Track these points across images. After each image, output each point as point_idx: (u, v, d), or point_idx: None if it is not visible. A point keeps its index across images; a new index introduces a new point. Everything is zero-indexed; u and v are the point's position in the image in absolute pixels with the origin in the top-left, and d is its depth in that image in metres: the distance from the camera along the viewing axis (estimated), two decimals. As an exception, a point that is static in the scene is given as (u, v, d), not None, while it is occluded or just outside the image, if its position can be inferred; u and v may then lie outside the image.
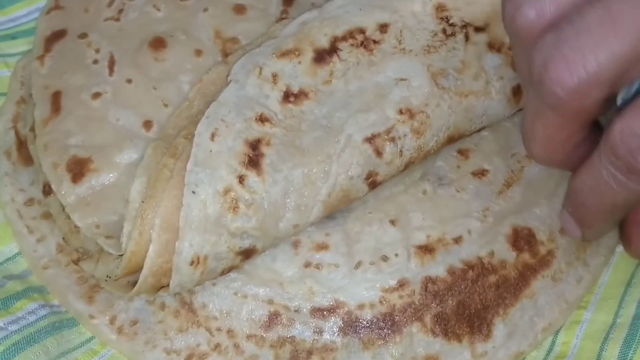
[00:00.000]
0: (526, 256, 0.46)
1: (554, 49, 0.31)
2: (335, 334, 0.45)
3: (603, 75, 0.31)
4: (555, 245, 0.47)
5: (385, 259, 0.46)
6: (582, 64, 0.31)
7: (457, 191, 0.48)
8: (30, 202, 0.50)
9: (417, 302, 0.45)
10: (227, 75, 0.45)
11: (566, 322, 0.47)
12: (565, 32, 0.31)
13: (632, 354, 0.44)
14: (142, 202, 0.41)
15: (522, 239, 0.47)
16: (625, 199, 0.35)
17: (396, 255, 0.46)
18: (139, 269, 0.42)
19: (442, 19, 0.48)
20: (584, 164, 0.36)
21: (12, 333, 0.43)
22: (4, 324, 0.43)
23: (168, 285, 0.42)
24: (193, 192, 0.41)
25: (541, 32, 0.33)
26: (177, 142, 0.43)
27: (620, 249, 0.50)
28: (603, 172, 0.34)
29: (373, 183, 0.45)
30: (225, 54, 0.50)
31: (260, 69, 0.44)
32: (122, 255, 0.42)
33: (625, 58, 0.30)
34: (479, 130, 0.50)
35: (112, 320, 0.45)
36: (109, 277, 0.43)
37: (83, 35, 0.51)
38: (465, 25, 0.48)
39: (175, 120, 0.46)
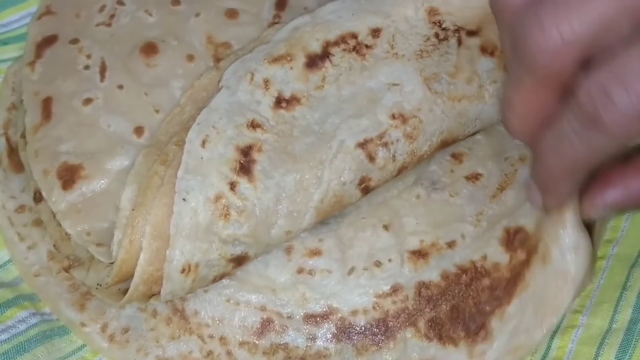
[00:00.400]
0: (520, 254, 0.46)
1: (533, 18, 0.34)
2: (329, 341, 0.44)
3: (576, 39, 0.33)
4: (542, 231, 0.47)
5: (378, 264, 0.45)
6: (557, 28, 0.33)
7: (451, 195, 0.48)
8: (21, 209, 0.50)
9: (410, 307, 0.45)
10: (219, 81, 0.45)
11: (561, 326, 0.47)
12: (544, 3, 0.34)
13: (627, 359, 0.44)
14: (133, 210, 0.41)
15: (515, 239, 0.46)
16: (586, 156, 0.36)
17: (389, 260, 0.46)
18: (129, 276, 0.41)
19: (435, 23, 0.47)
20: (550, 126, 0.38)
21: (1, 342, 0.43)
22: (-6, 333, 0.43)
23: (159, 293, 0.42)
24: (184, 199, 0.40)
25: (523, 7, 0.36)
26: (168, 149, 0.43)
27: (614, 250, 0.49)
28: (567, 128, 0.36)
29: (366, 188, 0.45)
30: (217, 59, 0.50)
31: (252, 74, 0.44)
32: (112, 263, 0.41)
33: (597, 24, 0.33)
34: (473, 134, 0.49)
35: (103, 328, 0.45)
36: (100, 285, 0.43)
37: (74, 41, 0.51)
38: (457, 30, 0.48)
39: (166, 127, 0.45)
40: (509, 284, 0.46)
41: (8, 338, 0.43)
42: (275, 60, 0.45)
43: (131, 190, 0.42)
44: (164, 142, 0.44)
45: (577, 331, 0.47)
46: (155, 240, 0.40)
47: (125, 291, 0.42)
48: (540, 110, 0.38)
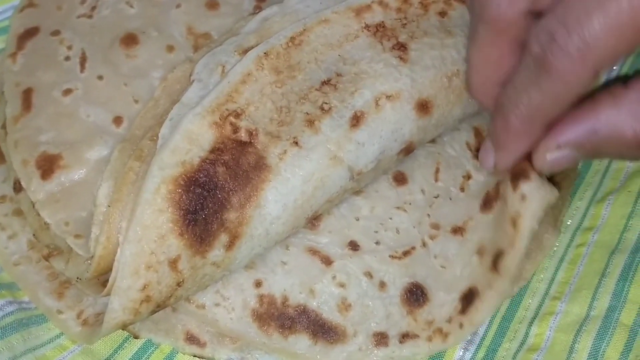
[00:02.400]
0: None
1: None
2: None
3: None
4: None
5: None
6: None
7: None
8: (2, 199, 0.50)
9: None
10: (190, 75, 0.45)
11: (540, 312, 0.47)
12: None
13: (604, 346, 0.44)
14: (109, 206, 0.41)
15: None
16: (543, 104, 0.37)
17: None
18: (108, 270, 0.41)
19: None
20: (508, 81, 0.39)
21: (-25, 328, 0.43)
22: (-32, 320, 0.43)
23: None
24: None
25: None
26: (142, 145, 0.43)
27: (594, 238, 0.49)
28: (522, 78, 0.37)
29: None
30: (197, 50, 0.50)
31: (223, 67, 0.44)
32: (91, 257, 0.42)
33: None
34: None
35: (79, 315, 0.45)
36: (80, 279, 0.43)
37: (56, 33, 0.51)
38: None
39: (141, 121, 0.45)
40: None
41: (-18, 324, 0.43)
42: (245, 51, 0.45)
43: (107, 186, 0.42)
44: (139, 137, 0.44)
45: (555, 318, 0.47)
46: None
47: (105, 281, 0.42)
48: (497, 66, 0.40)
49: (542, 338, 0.46)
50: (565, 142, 0.38)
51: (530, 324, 0.47)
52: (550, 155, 0.39)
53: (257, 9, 0.52)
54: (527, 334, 0.46)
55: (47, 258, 0.45)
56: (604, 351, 0.44)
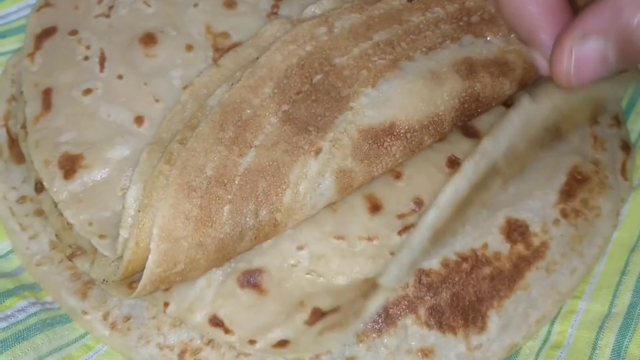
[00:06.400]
0: (520, 248, 0.46)
1: None
2: None
3: None
4: (549, 237, 0.47)
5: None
6: None
7: None
8: (22, 199, 0.50)
9: (411, 295, 0.45)
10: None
11: (561, 311, 0.47)
12: None
13: (627, 342, 0.44)
14: (139, 211, 0.41)
15: (515, 230, 0.47)
16: None
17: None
18: (136, 272, 0.41)
19: None
20: None
21: (0, 330, 0.43)
22: (-7, 322, 0.43)
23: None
24: None
25: None
26: (171, 148, 0.42)
27: (614, 236, 0.50)
28: None
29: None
30: (216, 49, 0.50)
31: None
32: (118, 259, 0.41)
33: None
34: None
35: (105, 316, 0.45)
36: (106, 281, 0.43)
37: (73, 32, 0.51)
38: None
39: (168, 124, 0.45)
40: (509, 277, 0.46)
41: (7, 326, 0.43)
42: None
43: (136, 188, 0.42)
44: (166, 140, 0.44)
45: (577, 316, 0.47)
46: (162, 242, 0.40)
47: (132, 282, 0.42)
48: None
49: (564, 335, 0.46)
50: (591, 29, 0.35)
51: (552, 322, 0.47)
52: (577, 50, 0.36)
53: (275, 7, 0.52)
54: (549, 332, 0.47)
55: (70, 258, 0.45)
56: (627, 347, 0.44)
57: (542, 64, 0.41)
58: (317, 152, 0.43)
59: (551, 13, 0.38)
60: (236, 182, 0.42)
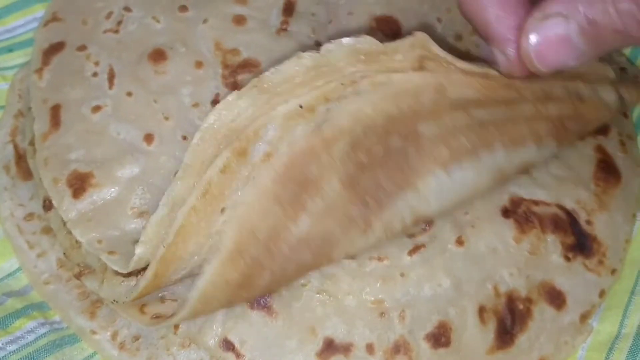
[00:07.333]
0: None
1: None
2: None
3: None
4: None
5: None
6: None
7: None
8: (30, 217, 0.49)
9: None
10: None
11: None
12: None
13: (637, 364, 0.44)
14: (163, 247, 0.38)
15: None
16: None
17: None
18: (148, 294, 0.41)
19: None
20: None
21: (10, 353, 0.42)
22: (2, 344, 0.43)
23: None
24: None
25: None
26: (208, 178, 0.38)
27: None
28: None
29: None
30: (226, 66, 0.50)
31: None
32: (127, 275, 0.41)
33: None
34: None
35: (113, 336, 0.45)
36: (116, 301, 0.42)
37: (82, 48, 0.51)
38: None
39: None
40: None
41: (17, 349, 0.43)
42: None
43: (163, 211, 0.39)
44: (197, 169, 0.39)
45: (587, 337, 0.47)
46: (197, 303, 0.39)
47: (142, 306, 0.42)
48: None
49: (574, 357, 0.46)
50: (551, 10, 0.34)
51: (562, 343, 0.47)
52: (538, 32, 0.34)
53: (285, 24, 0.52)
54: (559, 354, 0.47)
55: (78, 277, 0.44)
56: (637, 368, 0.44)
57: (501, 58, 0.39)
58: (366, 230, 0.40)
59: (508, 6, 0.37)
60: (283, 252, 0.39)
